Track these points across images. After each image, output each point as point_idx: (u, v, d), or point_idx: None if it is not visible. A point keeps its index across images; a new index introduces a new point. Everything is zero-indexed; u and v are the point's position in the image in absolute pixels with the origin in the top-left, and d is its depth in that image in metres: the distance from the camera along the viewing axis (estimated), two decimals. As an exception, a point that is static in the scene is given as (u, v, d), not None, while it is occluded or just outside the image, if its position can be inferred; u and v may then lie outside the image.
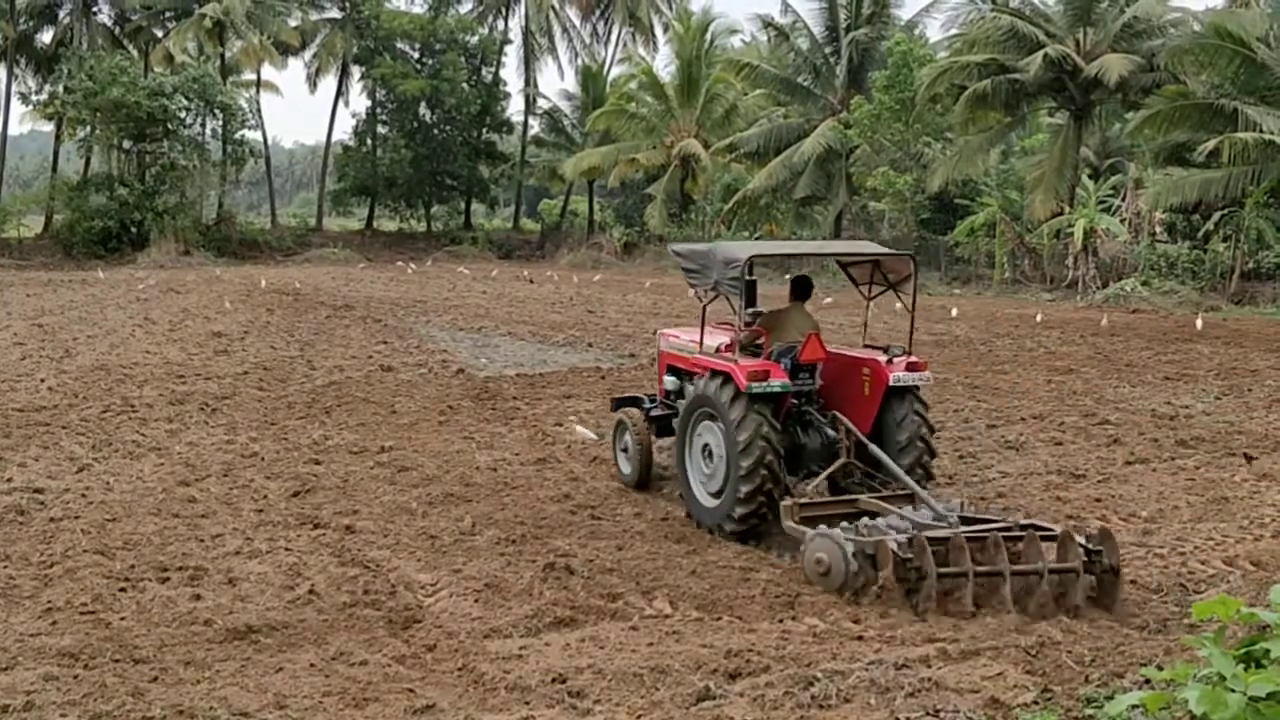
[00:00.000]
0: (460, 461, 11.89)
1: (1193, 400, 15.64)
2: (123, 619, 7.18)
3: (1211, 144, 29.48)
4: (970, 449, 12.58)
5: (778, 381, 9.15)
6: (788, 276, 11.20)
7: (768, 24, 49.27)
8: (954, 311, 28.77)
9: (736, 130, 51.62)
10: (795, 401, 9.73)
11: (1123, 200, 37.14)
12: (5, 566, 8.18)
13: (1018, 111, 39.25)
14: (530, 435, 13.42)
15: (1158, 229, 36.77)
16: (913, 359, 9.60)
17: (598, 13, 71.05)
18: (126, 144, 53.80)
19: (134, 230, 52.21)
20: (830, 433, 9.58)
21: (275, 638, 6.95)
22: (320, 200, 70.22)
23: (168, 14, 59.69)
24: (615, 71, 68.49)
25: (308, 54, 65.83)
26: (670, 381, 11.07)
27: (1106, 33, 36.11)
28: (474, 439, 13.11)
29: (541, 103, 70.15)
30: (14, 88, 58.72)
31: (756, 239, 49.71)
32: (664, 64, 62.47)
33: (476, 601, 7.57)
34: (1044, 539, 7.69)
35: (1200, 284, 32.50)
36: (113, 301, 30.82)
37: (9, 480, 10.55)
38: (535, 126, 70.89)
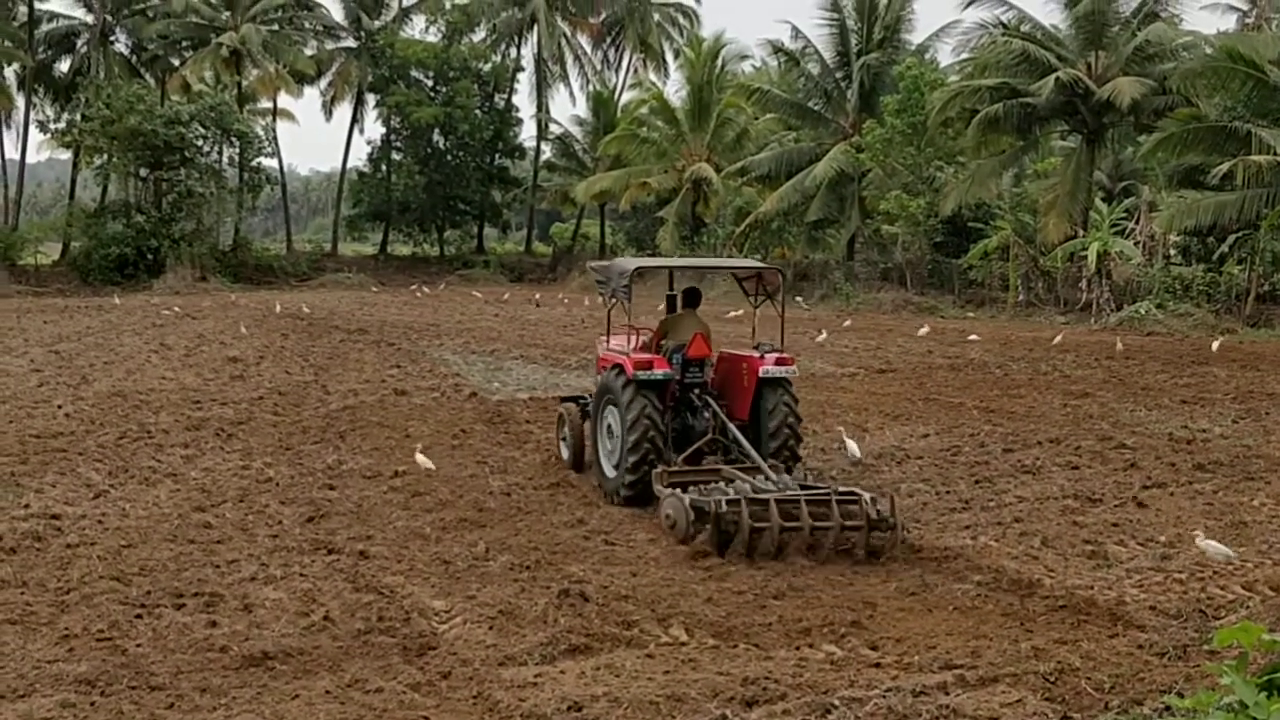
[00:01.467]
0: (473, 486, 11.89)
1: (1210, 424, 15.56)
2: (139, 646, 7.19)
3: (1225, 167, 29.44)
4: (986, 473, 12.53)
5: (660, 371, 11.13)
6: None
7: (778, 49, 49.38)
8: (971, 336, 28.70)
9: (748, 154, 51.79)
10: (696, 392, 11.63)
11: (1136, 223, 37.12)
12: (22, 593, 8.19)
13: (1030, 135, 39.27)
14: (543, 459, 13.41)
15: (1172, 252, 36.71)
16: (782, 355, 11.46)
17: (609, 39, 71.47)
18: (143, 172, 54.16)
19: (150, 257, 52.49)
20: (706, 416, 11.48)
21: (290, 664, 6.93)
22: (335, 226, 70.67)
23: (185, 43, 60.23)
24: (626, 97, 68.91)
25: (323, 82, 66.33)
26: None
27: (1118, 56, 36.13)
28: (487, 463, 13.11)
29: (553, 128, 70.50)
30: (32, 116, 59.30)
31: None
32: (675, 89, 62.82)
33: (491, 628, 7.55)
34: (848, 503, 9.42)
35: (1215, 307, 32.40)
36: (129, 328, 30.96)
37: (26, 506, 10.58)
38: (547, 151, 71.27)
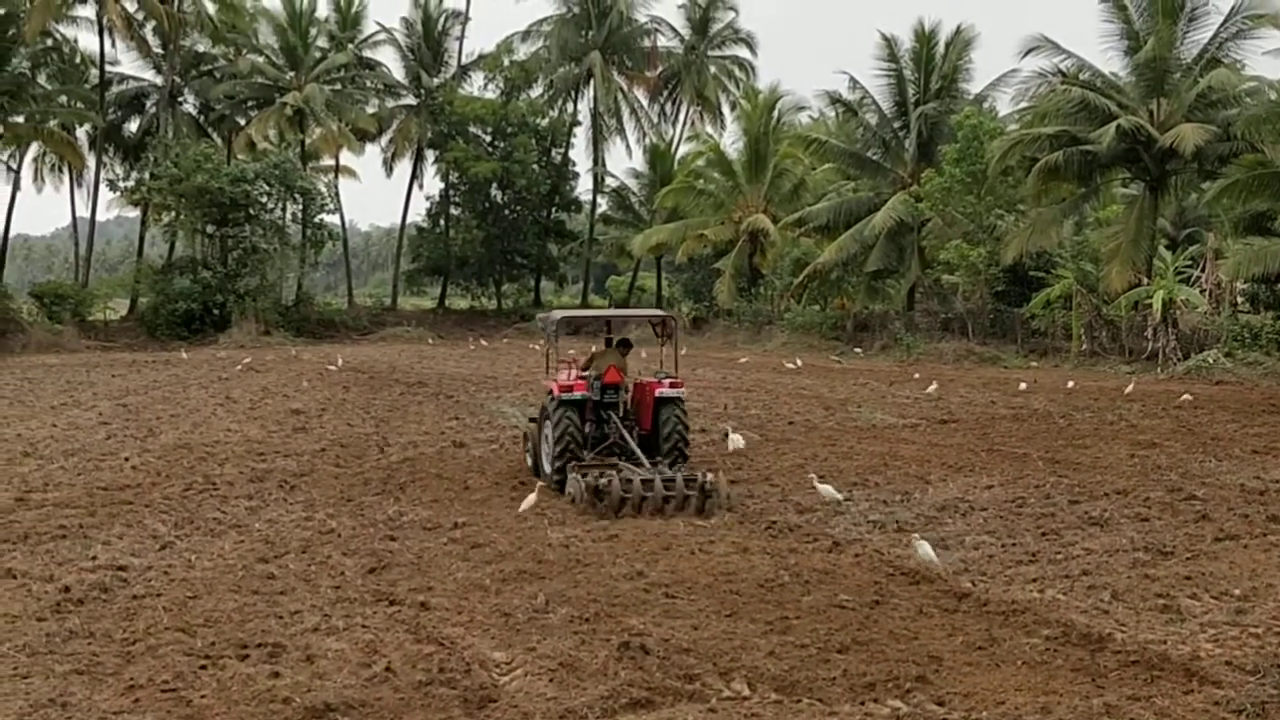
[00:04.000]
0: (532, 538, 11.85)
1: (1283, 474, 15.17)
2: (203, 697, 7.22)
3: (1293, 212, 28.97)
4: (1053, 525, 12.28)
5: (579, 393, 14.67)
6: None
7: (835, 100, 49.59)
8: (1022, 385, 28.32)
9: (805, 205, 51.87)
10: (612, 410, 15.08)
11: (1202, 271, 36.57)
12: (89, 644, 8.28)
13: (1091, 183, 38.96)
14: (599, 511, 13.35)
15: (1239, 299, 36.06)
16: (675, 380, 14.98)
17: (665, 93, 72.19)
18: (210, 229, 55.42)
19: (216, 312, 53.56)
20: (617, 429, 14.90)
21: (352, 716, 6.92)
22: (395, 280, 71.65)
23: (250, 103, 61.79)
24: (683, 149, 69.45)
25: (384, 139, 67.63)
26: None
27: (1180, 103, 35.79)
28: (545, 515, 13.08)
29: (610, 181, 71.25)
30: (102, 175, 60.92)
31: (827, 313, 49.88)
32: (731, 141, 63.30)
33: (551, 681, 7.50)
34: (689, 481, 13.07)
35: (1287, 355, 31.72)
36: (195, 381, 31.51)
37: (94, 558, 10.72)
38: (603, 205, 71.90)
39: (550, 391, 14.91)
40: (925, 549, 10.53)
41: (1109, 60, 48.83)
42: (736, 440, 17.61)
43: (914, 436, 19.75)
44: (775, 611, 9.12)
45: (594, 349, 16.22)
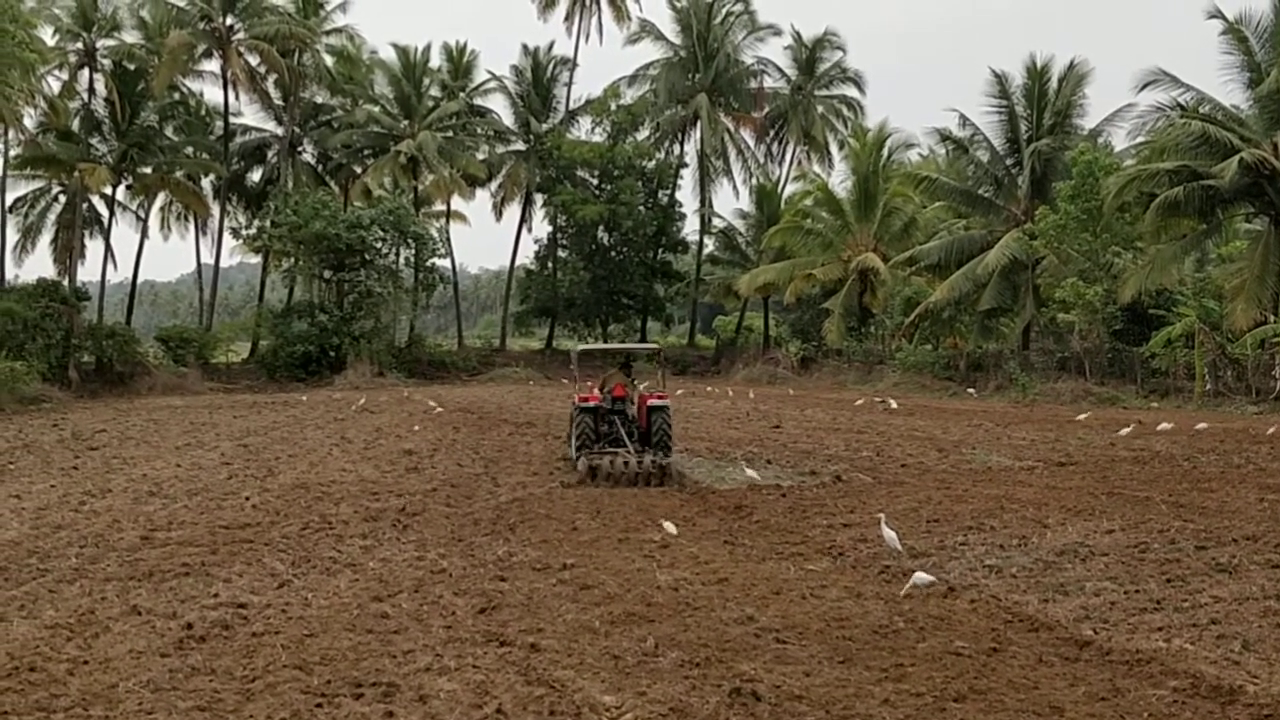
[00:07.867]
0: (641, 580, 11.81)
1: None
2: (319, 735, 7.32)
3: None
4: (1178, 572, 11.82)
5: (592, 403, 20.30)
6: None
7: (945, 137, 49.10)
8: (1162, 425, 27.44)
9: (915, 243, 51.35)
10: (616, 416, 20.53)
11: (1333, 307, 35.11)
12: (210, 680, 8.46)
13: (1212, 218, 37.80)
14: (708, 556, 13.25)
15: (1374, 336, 34.49)
16: (662, 395, 20.88)
17: (772, 133, 72.29)
18: (327, 273, 57.01)
19: (332, 354, 54.93)
20: (618, 428, 20.32)
21: (464, 758, 6.94)
22: (504, 322, 72.74)
23: (366, 152, 63.60)
24: (790, 189, 69.43)
25: (494, 184, 68.90)
26: None
27: (1307, 134, 34.60)
28: (654, 558, 13.04)
29: (716, 222, 71.42)
30: (226, 223, 63.15)
31: (939, 352, 49.11)
32: (839, 180, 63.01)
33: (662, 726, 7.44)
34: (654, 464, 18.80)
35: None
36: (312, 422, 32.27)
37: (215, 596, 10.99)
38: (710, 245, 72.06)
39: (574, 401, 20.59)
40: (891, 536, 12.40)
41: (1230, 93, 47.62)
42: (753, 476, 19.66)
43: (1030, 479, 19.26)
44: (889, 658, 8.93)
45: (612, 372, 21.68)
